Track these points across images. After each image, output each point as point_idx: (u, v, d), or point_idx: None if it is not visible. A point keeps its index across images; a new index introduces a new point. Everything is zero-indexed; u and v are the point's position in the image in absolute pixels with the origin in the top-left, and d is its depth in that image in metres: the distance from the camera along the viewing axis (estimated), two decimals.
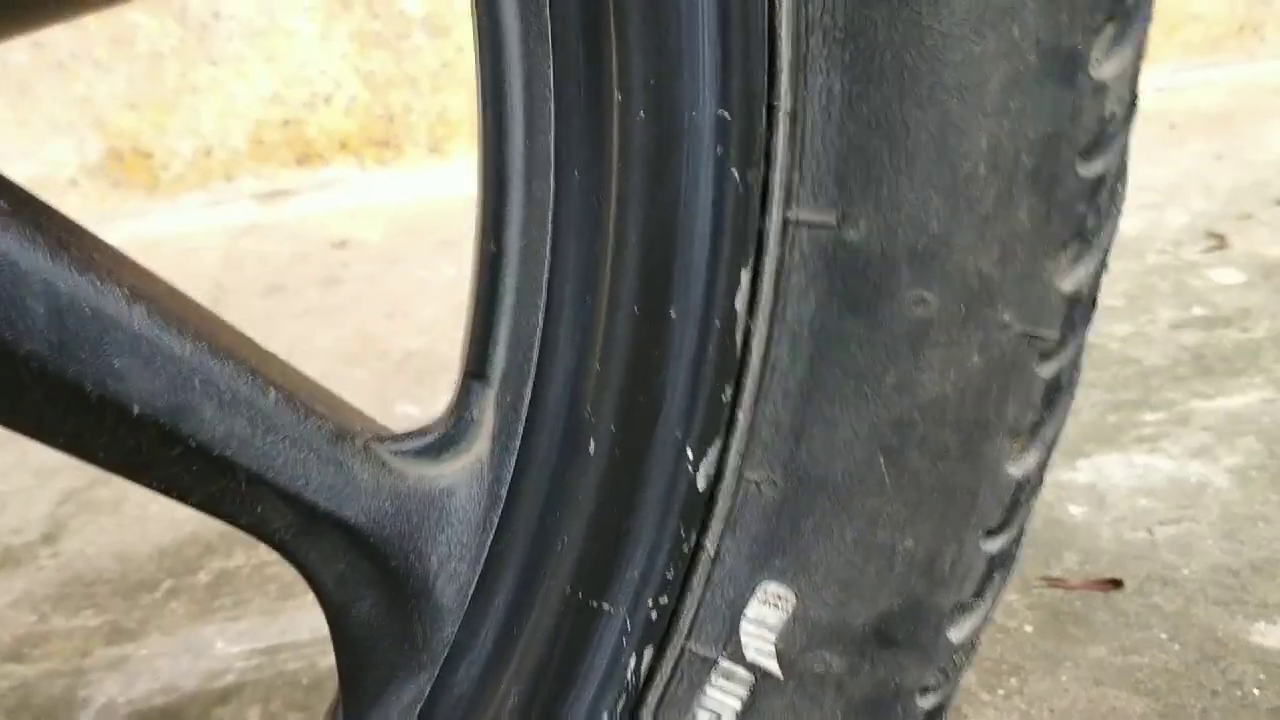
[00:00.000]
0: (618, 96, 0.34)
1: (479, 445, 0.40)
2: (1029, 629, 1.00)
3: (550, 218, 0.37)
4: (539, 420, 0.39)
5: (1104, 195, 0.33)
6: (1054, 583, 1.05)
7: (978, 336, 0.34)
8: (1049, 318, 0.34)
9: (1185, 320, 1.55)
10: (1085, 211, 0.33)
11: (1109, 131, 0.32)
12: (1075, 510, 1.15)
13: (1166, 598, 1.02)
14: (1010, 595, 1.04)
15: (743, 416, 0.36)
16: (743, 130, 0.33)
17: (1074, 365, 0.35)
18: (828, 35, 0.32)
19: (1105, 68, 0.31)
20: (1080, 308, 0.34)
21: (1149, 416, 1.31)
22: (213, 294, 2.01)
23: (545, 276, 0.37)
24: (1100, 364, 1.44)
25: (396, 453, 0.40)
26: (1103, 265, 0.34)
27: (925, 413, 0.35)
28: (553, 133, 0.36)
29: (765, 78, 0.33)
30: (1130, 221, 1.93)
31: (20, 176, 2.25)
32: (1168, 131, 2.47)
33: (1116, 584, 1.04)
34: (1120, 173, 0.34)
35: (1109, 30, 0.31)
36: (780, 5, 0.32)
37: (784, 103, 0.33)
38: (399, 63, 2.35)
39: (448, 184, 2.33)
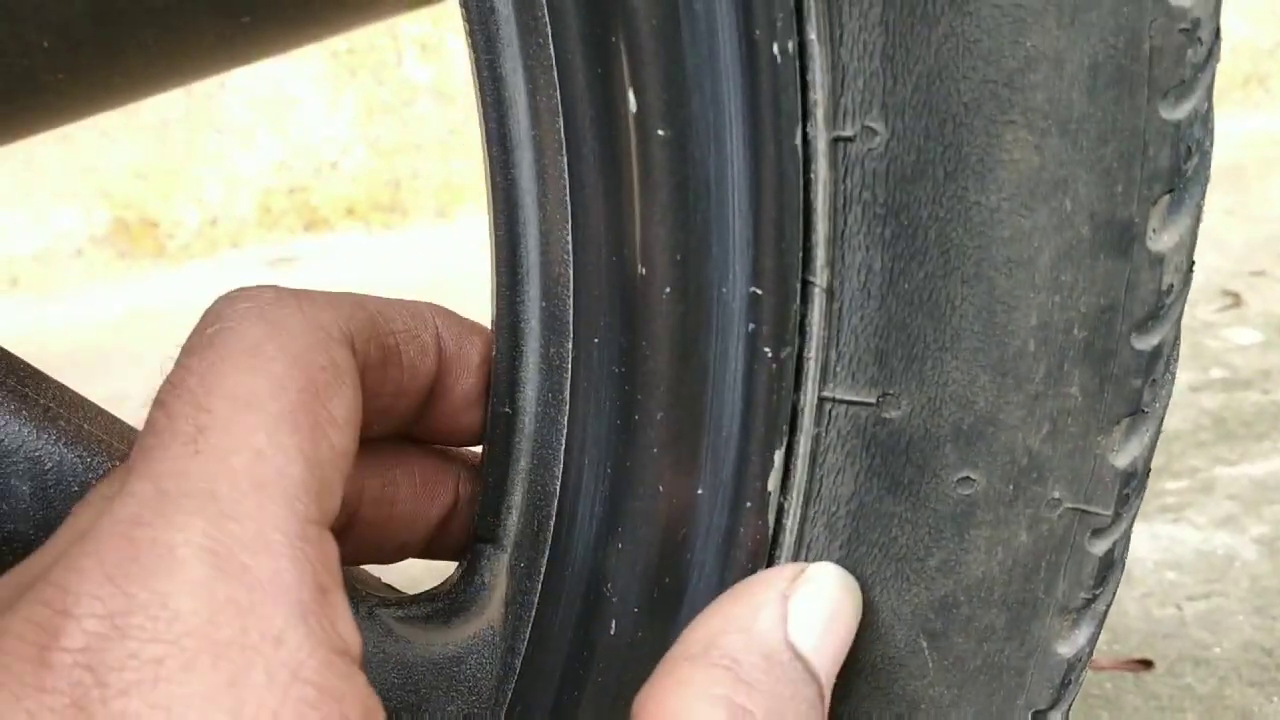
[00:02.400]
0: (641, 270, 0.33)
1: (491, 611, 0.38)
2: None
3: (568, 385, 0.35)
4: (555, 593, 0.36)
5: (1160, 367, 0.31)
6: None
7: (1027, 514, 0.32)
8: (1102, 494, 0.32)
9: (1205, 383, 1.53)
10: (1141, 385, 0.31)
11: (1166, 303, 0.31)
12: None
13: (1199, 678, 0.99)
14: None
15: None
16: (776, 307, 0.32)
17: (1126, 539, 0.34)
18: (867, 211, 0.31)
19: (1162, 239, 0.30)
20: (1135, 482, 0.33)
21: (1172, 485, 1.29)
22: None
23: (563, 445, 0.36)
24: None
25: (403, 618, 0.38)
26: (1157, 437, 0.33)
27: (971, 593, 0.33)
28: (571, 299, 0.34)
29: (800, 253, 0.31)
30: None
31: (27, 248, 2.25)
32: None
33: (1147, 664, 1.01)
34: (1176, 342, 0.32)
35: (1166, 201, 0.29)
36: (816, 179, 0.31)
37: (820, 279, 0.31)
38: (405, 129, 2.35)
39: (454, 248, 2.32)
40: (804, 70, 0.29)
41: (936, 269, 0.30)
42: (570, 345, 0.35)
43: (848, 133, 0.30)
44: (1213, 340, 1.66)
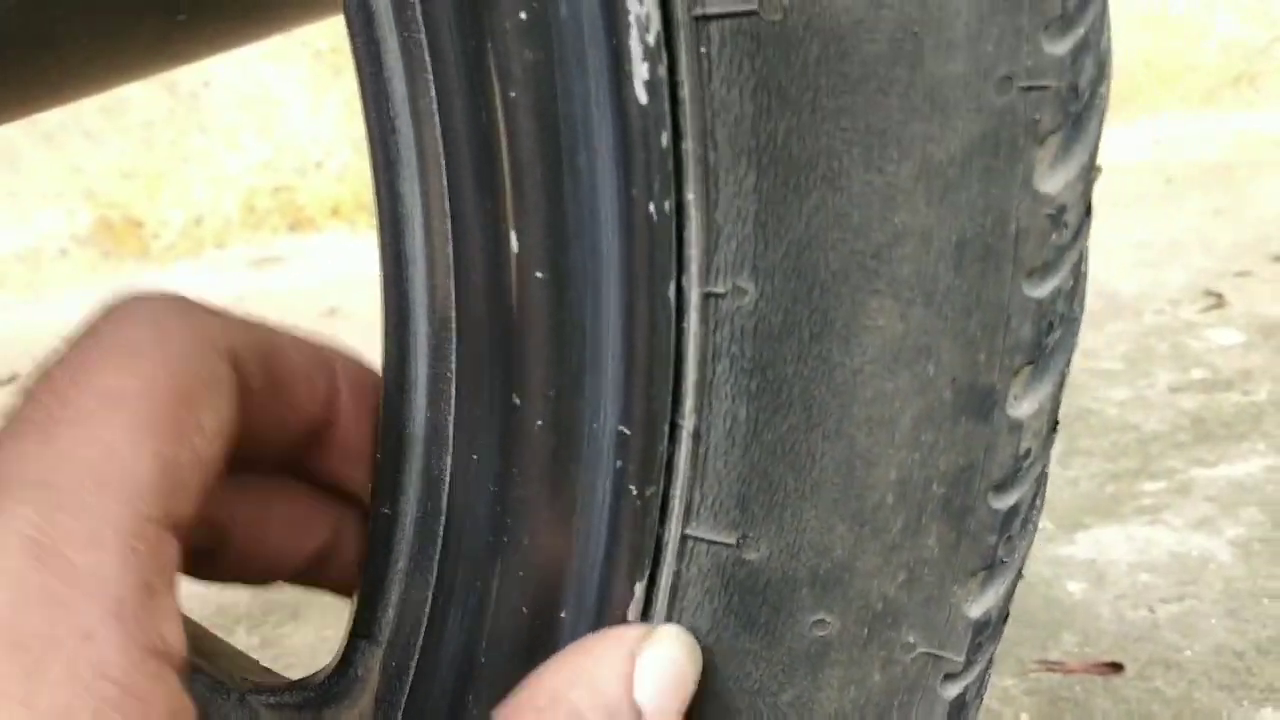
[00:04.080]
0: (515, 400, 0.34)
1: (363, 704, 0.38)
2: (1025, 717, 0.96)
3: (445, 496, 0.36)
4: (423, 698, 0.37)
5: (1016, 526, 0.33)
6: (1052, 666, 1.01)
7: (880, 656, 0.34)
8: (955, 640, 0.33)
9: (1185, 383, 1.52)
10: (996, 542, 0.32)
11: (1024, 467, 0.32)
12: (1074, 588, 1.12)
13: (1169, 682, 0.98)
14: (1006, 680, 1.00)
15: None
16: (643, 446, 0.33)
17: (980, 682, 0.35)
18: (735, 363, 0.32)
19: (1022, 406, 0.31)
20: (988, 631, 0.34)
21: (1149, 486, 1.28)
22: None
23: (436, 556, 0.36)
24: (1098, 431, 1.41)
25: (275, 705, 0.38)
26: (1012, 589, 0.34)
27: None
28: (452, 415, 0.35)
29: (670, 398, 0.32)
30: (1128, 280, 1.91)
31: (11, 248, 2.25)
32: (1165, 186, 2.46)
33: (1117, 667, 1.00)
34: (1035, 500, 0.33)
35: (1027, 371, 0.30)
36: (688, 330, 0.32)
37: (688, 423, 0.33)
38: None
39: None
40: (680, 229, 0.31)
41: (799, 422, 0.32)
42: (449, 459, 0.35)
43: (719, 289, 0.31)
44: (1195, 341, 1.65)
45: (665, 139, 0.30)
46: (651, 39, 0.29)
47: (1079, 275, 0.31)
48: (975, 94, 0.28)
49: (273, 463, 0.37)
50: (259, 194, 2.35)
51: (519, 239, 0.32)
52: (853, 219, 0.29)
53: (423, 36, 0.31)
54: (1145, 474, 1.31)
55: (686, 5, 0.29)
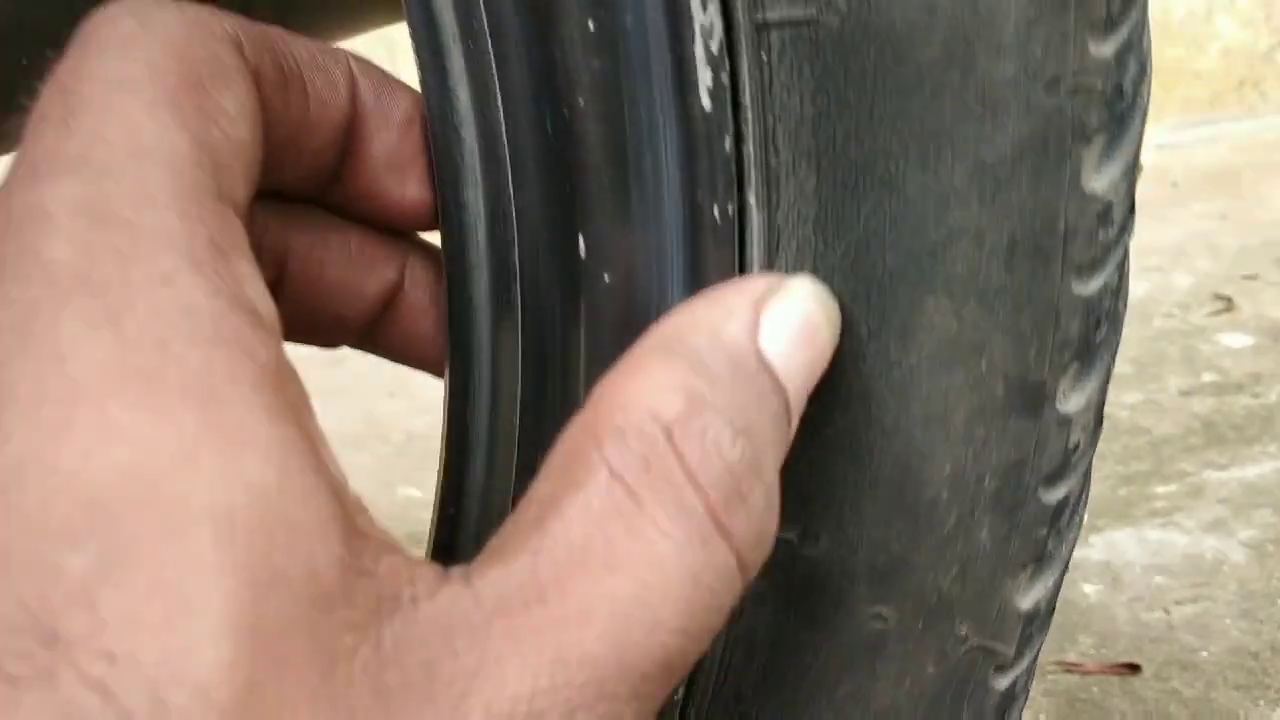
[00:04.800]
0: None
1: None
2: (1044, 718, 0.97)
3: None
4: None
5: (1065, 518, 0.33)
6: (1070, 667, 1.02)
7: (934, 648, 0.34)
8: (1006, 633, 0.34)
9: (1195, 387, 1.53)
10: (1046, 535, 0.33)
11: (1072, 460, 0.32)
12: (1089, 589, 1.13)
13: (1185, 682, 0.99)
14: None
15: (694, 715, 0.36)
16: None
17: (1028, 674, 0.36)
18: None
19: (1071, 401, 0.32)
20: (1037, 622, 0.35)
21: (1161, 489, 1.29)
22: None
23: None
24: (1110, 434, 1.42)
25: None
26: (1060, 581, 0.35)
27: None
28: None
29: None
30: (1136, 284, 1.91)
31: None
32: (1170, 191, 2.47)
33: (1134, 668, 1.01)
34: (1082, 494, 0.34)
35: (1075, 367, 0.31)
36: None
37: None
38: None
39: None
40: (742, 230, 0.31)
41: (859, 419, 0.32)
42: None
43: None
44: (1205, 344, 1.66)
45: (728, 144, 0.30)
46: (715, 47, 0.29)
47: (1123, 273, 0.31)
48: (1025, 95, 0.28)
49: (312, 182, 0.35)
50: None
51: (586, 243, 0.32)
52: (908, 219, 0.30)
53: (489, 47, 0.32)
54: (1158, 477, 1.31)
55: (748, 13, 0.29)
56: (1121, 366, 1.59)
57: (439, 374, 0.38)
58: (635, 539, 0.25)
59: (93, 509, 0.21)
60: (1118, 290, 0.31)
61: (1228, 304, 1.79)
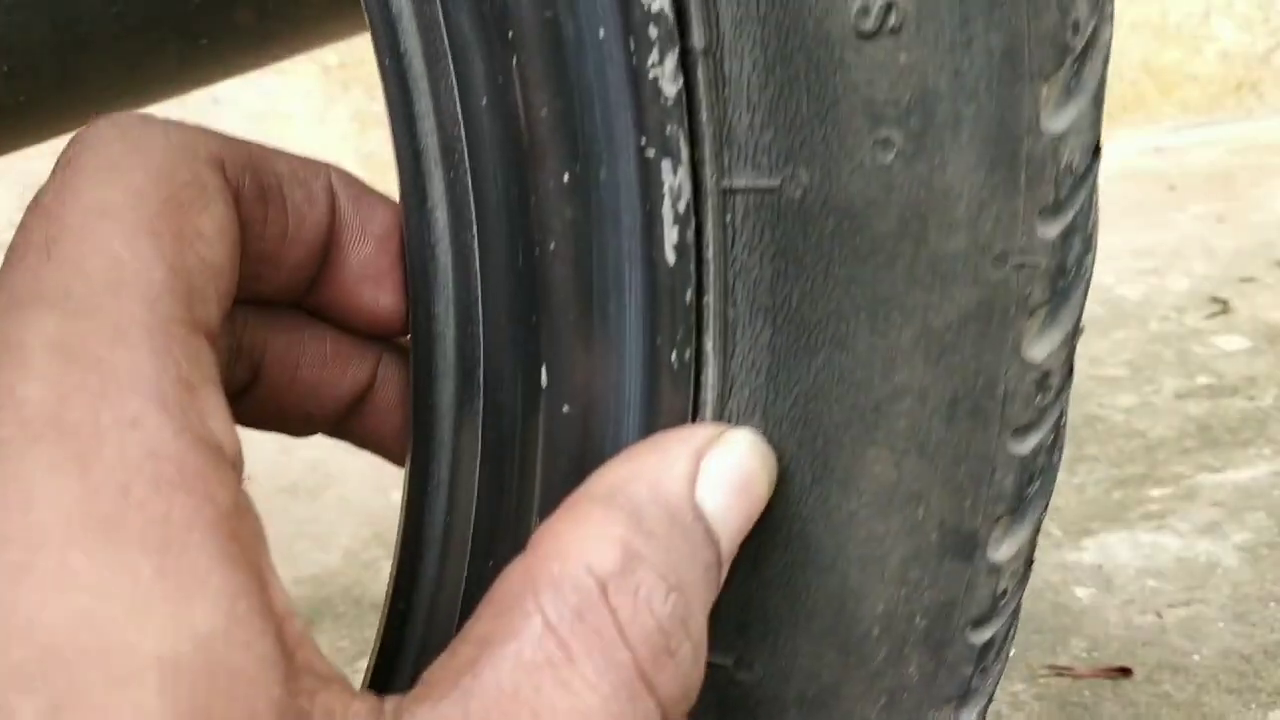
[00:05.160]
0: (535, 521, 0.35)
1: None
2: None
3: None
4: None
5: (990, 657, 0.35)
6: (1061, 671, 1.02)
7: None
8: None
9: (1190, 389, 1.53)
10: (971, 673, 0.35)
11: (999, 605, 0.34)
12: (1082, 593, 1.13)
13: (1177, 686, 0.99)
14: (1016, 685, 1.01)
15: None
16: None
17: None
18: None
19: (1001, 550, 0.33)
20: None
21: (1155, 492, 1.29)
22: None
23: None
24: (1104, 437, 1.42)
25: None
26: (984, 713, 0.36)
27: None
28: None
29: None
30: (1132, 287, 1.91)
31: None
32: (1167, 193, 2.47)
33: (1125, 672, 1.01)
34: (1009, 634, 0.36)
35: (1007, 519, 0.33)
36: None
37: None
38: None
39: None
40: (698, 375, 0.33)
41: (798, 558, 0.34)
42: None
43: None
44: (1200, 347, 1.66)
45: (689, 295, 0.32)
46: (682, 207, 0.31)
47: (1059, 430, 0.33)
48: (973, 268, 0.30)
49: (291, 290, 0.36)
50: None
51: (548, 373, 0.34)
52: (856, 376, 0.32)
53: (469, 179, 0.33)
54: (1152, 480, 1.31)
55: (716, 178, 0.31)
56: (1116, 369, 1.59)
57: (404, 465, 0.39)
58: (564, 691, 0.27)
59: (46, 655, 0.23)
60: (1053, 447, 0.33)
61: (1224, 306, 1.79)
